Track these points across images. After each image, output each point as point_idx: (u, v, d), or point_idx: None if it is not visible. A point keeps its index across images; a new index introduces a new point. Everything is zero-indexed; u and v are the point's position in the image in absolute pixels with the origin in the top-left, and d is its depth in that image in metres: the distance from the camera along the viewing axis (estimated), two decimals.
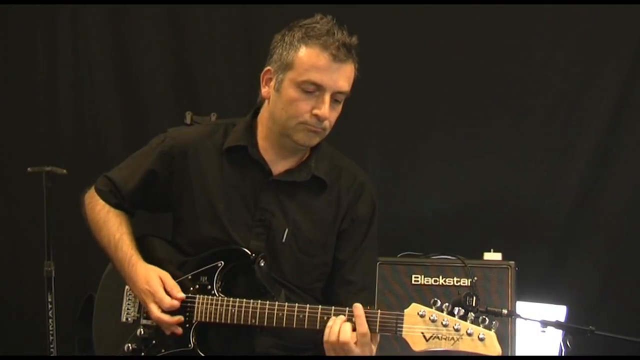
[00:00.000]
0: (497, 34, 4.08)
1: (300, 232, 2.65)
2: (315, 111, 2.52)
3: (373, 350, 2.42)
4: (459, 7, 4.04)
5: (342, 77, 2.54)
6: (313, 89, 2.51)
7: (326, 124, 2.56)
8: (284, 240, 2.64)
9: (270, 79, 2.60)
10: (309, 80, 2.50)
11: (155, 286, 2.58)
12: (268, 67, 2.61)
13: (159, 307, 2.57)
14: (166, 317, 2.57)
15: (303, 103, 2.52)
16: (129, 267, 2.65)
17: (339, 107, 2.60)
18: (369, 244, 2.75)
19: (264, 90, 2.63)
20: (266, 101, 2.65)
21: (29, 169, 3.63)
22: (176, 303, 2.58)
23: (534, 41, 4.05)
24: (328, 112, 2.52)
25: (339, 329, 2.40)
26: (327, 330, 2.42)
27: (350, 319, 2.41)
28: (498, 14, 4.05)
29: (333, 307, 2.45)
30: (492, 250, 3.69)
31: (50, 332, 3.64)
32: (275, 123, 2.61)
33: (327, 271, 2.72)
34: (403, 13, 4.13)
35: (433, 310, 2.34)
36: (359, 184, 2.73)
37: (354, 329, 2.39)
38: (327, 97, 2.51)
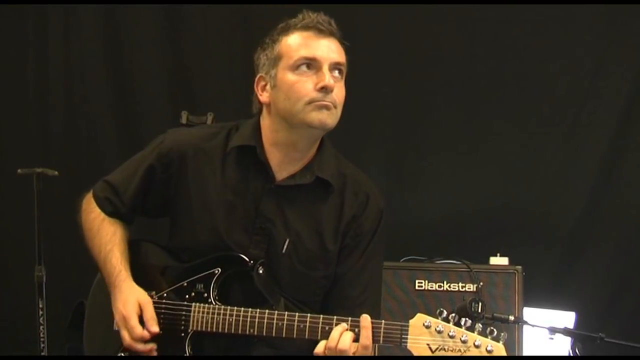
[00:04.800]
0: (503, 36, 4.06)
1: (301, 243, 2.58)
2: (319, 84, 2.46)
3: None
4: (462, 8, 4.02)
5: (332, 50, 2.51)
6: (308, 65, 2.49)
7: (334, 97, 2.49)
8: (284, 250, 2.57)
9: (265, 84, 2.56)
10: (302, 57, 2.48)
11: (130, 312, 2.52)
12: (259, 75, 2.59)
13: (130, 334, 2.51)
14: (138, 346, 2.51)
15: (304, 83, 2.47)
16: (115, 283, 2.58)
17: (342, 84, 2.55)
18: (371, 256, 2.64)
19: (263, 97, 2.57)
20: (264, 108, 2.59)
21: (19, 170, 3.57)
22: (146, 335, 2.51)
23: (540, 43, 4.03)
24: (332, 82, 2.47)
25: (339, 336, 2.35)
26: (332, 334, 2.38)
27: (354, 329, 2.36)
28: (501, 16, 4.03)
29: (335, 317, 2.39)
30: (498, 254, 3.66)
31: (41, 339, 3.59)
32: (283, 119, 2.53)
33: (327, 285, 2.64)
34: (404, 14, 4.10)
35: (439, 320, 2.31)
36: (364, 194, 2.64)
37: (355, 339, 2.35)
38: (325, 68, 2.48)
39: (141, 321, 2.51)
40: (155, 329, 2.51)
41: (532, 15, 3.99)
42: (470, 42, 4.07)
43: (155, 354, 2.53)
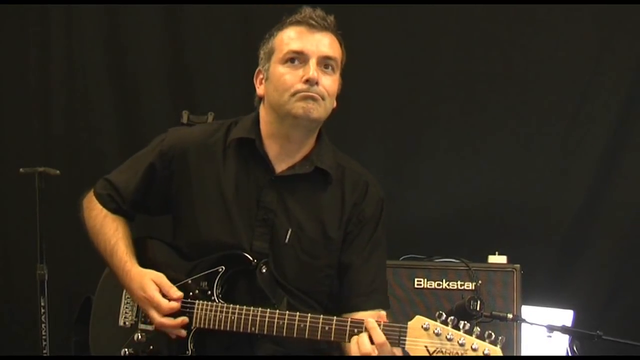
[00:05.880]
0: (502, 35, 4.05)
1: (304, 232, 2.61)
2: (304, 77, 2.51)
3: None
4: (462, 8, 4.01)
5: (323, 43, 2.56)
6: (297, 58, 2.54)
7: (321, 89, 2.53)
8: (287, 240, 2.60)
9: (262, 77, 2.64)
10: (290, 50, 2.55)
11: (151, 291, 2.54)
12: (258, 68, 2.66)
13: (159, 312, 2.53)
14: (168, 321, 2.54)
15: (291, 75, 2.54)
16: (124, 274, 2.61)
17: (334, 77, 2.59)
18: (377, 244, 2.69)
19: (260, 90, 2.65)
20: (262, 101, 2.65)
21: (21, 169, 3.58)
22: (175, 304, 2.54)
23: (540, 42, 4.01)
24: (317, 74, 2.51)
25: (357, 341, 2.36)
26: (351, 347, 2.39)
27: (359, 332, 2.36)
28: (501, 15, 4.02)
29: (335, 317, 2.41)
30: (497, 253, 3.66)
31: (43, 337, 3.60)
32: (274, 110, 2.59)
33: (332, 274, 2.67)
34: (405, 13, 4.09)
35: (437, 323, 2.31)
36: (364, 183, 2.69)
37: (371, 341, 2.36)
38: (312, 62, 2.53)
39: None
40: (178, 294, 2.54)
41: (532, 14, 3.98)
42: (470, 41, 4.05)
43: (187, 322, 2.53)
